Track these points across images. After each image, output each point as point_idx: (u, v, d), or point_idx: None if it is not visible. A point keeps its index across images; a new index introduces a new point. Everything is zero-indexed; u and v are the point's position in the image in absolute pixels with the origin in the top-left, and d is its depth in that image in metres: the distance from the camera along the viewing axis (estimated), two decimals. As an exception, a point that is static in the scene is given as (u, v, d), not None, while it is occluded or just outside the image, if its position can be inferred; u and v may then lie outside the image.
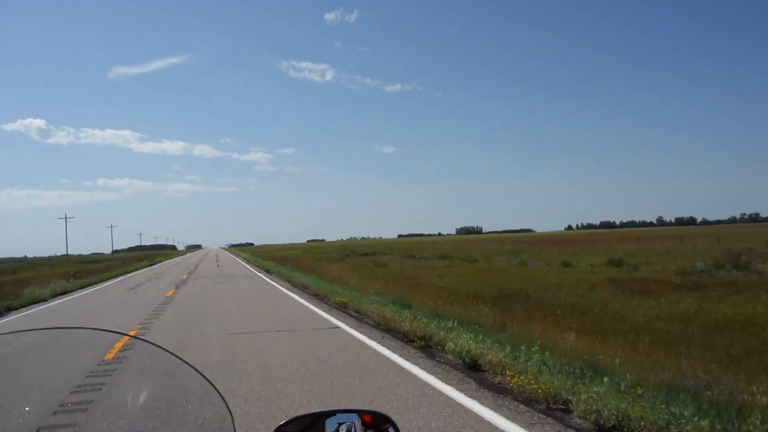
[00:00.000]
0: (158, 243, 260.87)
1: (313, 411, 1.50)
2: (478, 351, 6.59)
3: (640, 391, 4.79)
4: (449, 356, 7.16)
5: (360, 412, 1.50)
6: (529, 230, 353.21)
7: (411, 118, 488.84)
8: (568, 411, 4.87)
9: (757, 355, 6.59)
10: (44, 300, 18.80)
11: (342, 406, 2.21)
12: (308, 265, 28.64)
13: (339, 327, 10.31)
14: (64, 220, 78.85)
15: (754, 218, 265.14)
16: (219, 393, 1.61)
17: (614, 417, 4.33)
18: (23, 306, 17.00)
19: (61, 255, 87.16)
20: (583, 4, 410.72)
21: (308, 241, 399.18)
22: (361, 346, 8.36)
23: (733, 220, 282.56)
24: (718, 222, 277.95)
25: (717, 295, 11.73)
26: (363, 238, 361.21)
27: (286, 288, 18.47)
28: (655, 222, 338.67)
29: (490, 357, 6.33)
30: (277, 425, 1.44)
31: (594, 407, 4.51)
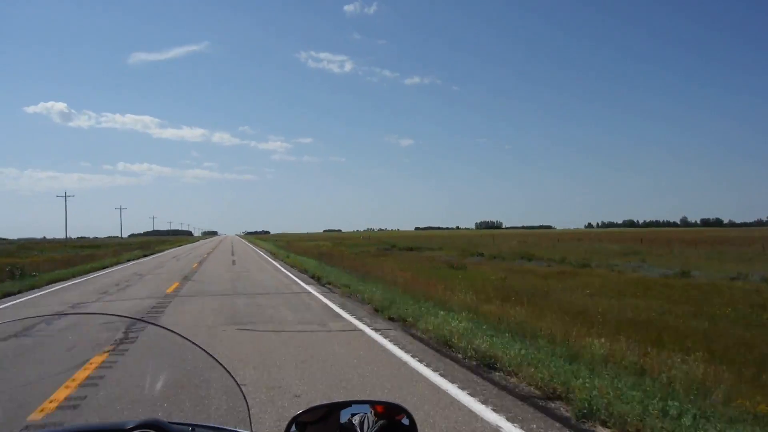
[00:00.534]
0: (173, 228, 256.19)
1: (328, 402, 1.46)
2: None
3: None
4: None
5: (372, 403, 1.48)
6: (549, 227, 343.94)
7: (429, 111, 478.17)
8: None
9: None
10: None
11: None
12: (358, 265, 20.84)
13: None
14: (65, 200, 72.04)
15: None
16: (236, 382, 1.55)
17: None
18: None
19: (64, 238, 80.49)
20: (605, 3, 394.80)
21: (324, 231, 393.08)
22: None
23: (759, 223, 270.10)
24: (744, 224, 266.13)
25: None
26: (380, 230, 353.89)
27: (413, 349, 7.42)
28: (678, 222, 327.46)
29: None
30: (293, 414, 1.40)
31: None
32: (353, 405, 1.45)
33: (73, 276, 21.02)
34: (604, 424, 4.45)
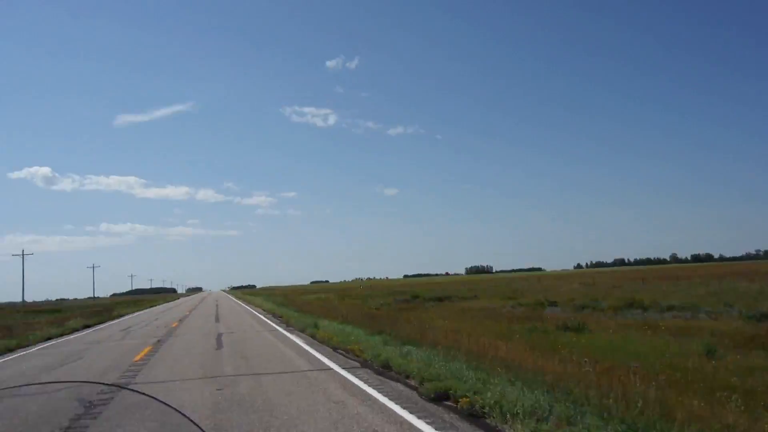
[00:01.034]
0: (154, 286, 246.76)
1: None
2: None
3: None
4: None
5: None
6: (539, 269, 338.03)
7: (413, 160, 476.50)
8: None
9: None
10: None
11: None
12: (412, 331, 14.79)
13: None
14: (22, 259, 65.28)
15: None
16: None
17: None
18: None
19: (20, 301, 73.25)
20: (583, 41, 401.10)
21: (312, 283, 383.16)
22: None
23: (749, 256, 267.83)
24: (734, 258, 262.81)
25: None
26: (368, 279, 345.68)
27: None
28: (668, 259, 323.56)
29: None
30: None
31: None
32: None
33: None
34: None
